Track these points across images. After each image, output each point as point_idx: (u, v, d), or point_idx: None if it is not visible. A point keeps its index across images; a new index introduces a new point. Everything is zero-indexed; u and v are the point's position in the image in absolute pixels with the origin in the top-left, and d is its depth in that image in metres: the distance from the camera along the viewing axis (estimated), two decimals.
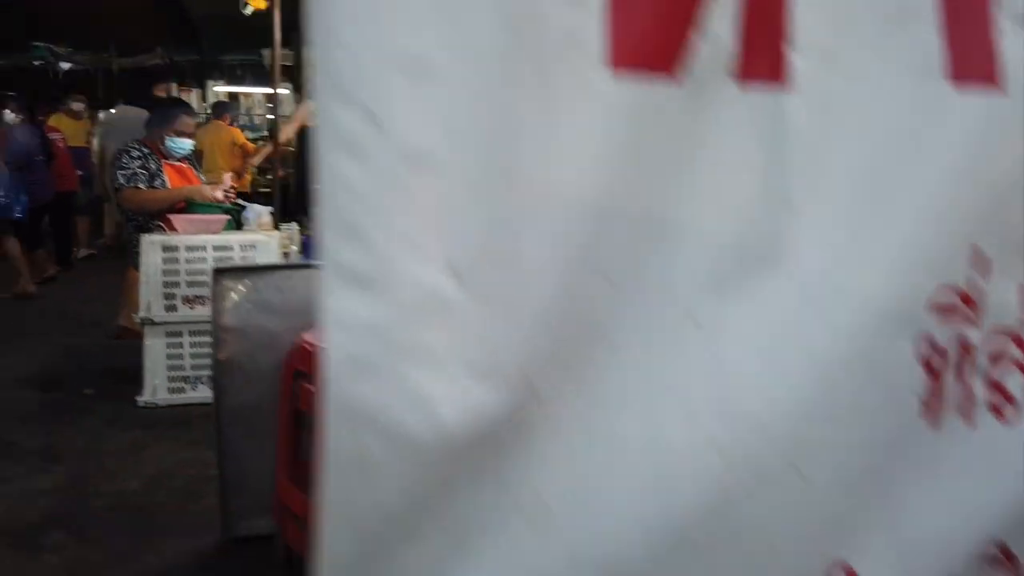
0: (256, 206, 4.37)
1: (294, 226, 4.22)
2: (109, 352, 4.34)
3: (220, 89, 12.66)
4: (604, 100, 0.67)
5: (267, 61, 11.12)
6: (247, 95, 13.90)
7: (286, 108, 12.77)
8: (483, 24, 0.61)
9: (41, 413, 3.36)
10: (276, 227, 4.02)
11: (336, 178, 0.64)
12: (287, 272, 2.41)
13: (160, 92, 5.74)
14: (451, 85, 0.61)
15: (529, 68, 0.63)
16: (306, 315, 2.37)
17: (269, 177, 9.02)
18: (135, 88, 10.63)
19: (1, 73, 10.58)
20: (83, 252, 7.48)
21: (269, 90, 13.36)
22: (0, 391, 3.61)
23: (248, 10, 5.50)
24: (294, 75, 11.14)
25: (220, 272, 2.32)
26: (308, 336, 2.07)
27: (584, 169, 0.67)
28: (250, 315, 2.31)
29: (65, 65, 10.06)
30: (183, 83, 11.69)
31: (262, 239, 3.65)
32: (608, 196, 0.67)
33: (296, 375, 2.05)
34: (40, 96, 9.68)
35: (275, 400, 2.20)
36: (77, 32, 9.35)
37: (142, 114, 4.95)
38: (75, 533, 2.30)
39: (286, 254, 3.77)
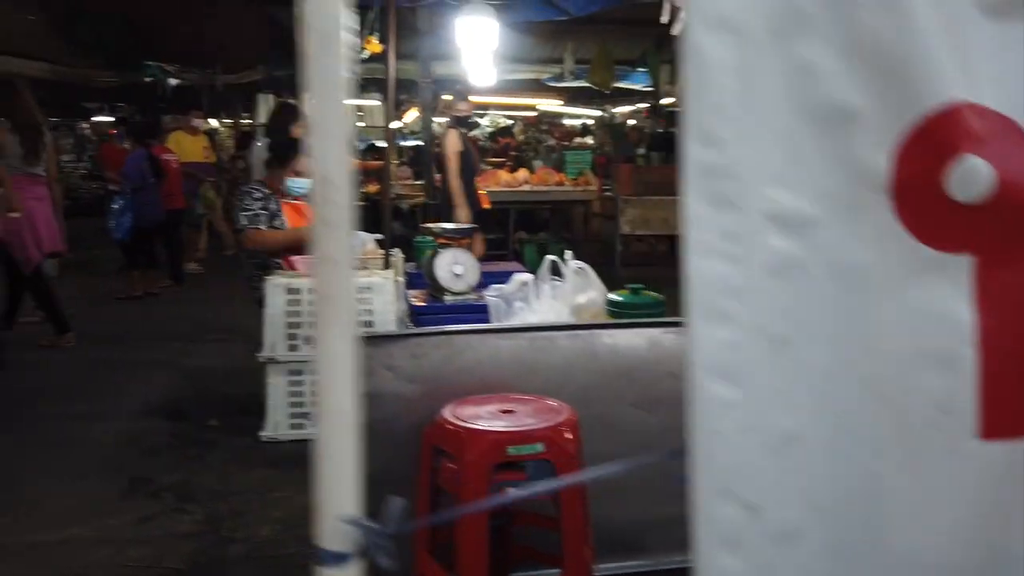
0: (361, 234, 4.49)
1: (398, 253, 4.32)
2: (227, 378, 4.57)
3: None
4: (974, 465, 0.65)
5: (357, 74, 11.42)
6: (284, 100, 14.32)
7: (377, 118, 13.08)
8: (851, 397, 0.63)
9: (171, 446, 3.54)
10: (386, 259, 4.11)
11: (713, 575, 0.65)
12: (419, 339, 2.48)
13: (299, 130, 5.98)
14: (818, 459, 0.62)
15: (895, 437, 0.63)
16: (438, 382, 2.46)
17: (363, 191, 9.28)
18: (237, 100, 10.92)
19: (116, 89, 11.19)
20: (192, 267, 7.85)
21: (360, 101, 13.70)
22: (131, 422, 3.84)
23: (364, 54, 5.67)
24: (385, 87, 11.36)
25: (360, 339, 2.40)
26: (447, 412, 2.13)
27: (946, 531, 0.66)
28: (385, 381, 2.39)
29: (173, 82, 10.56)
30: (281, 96, 12.11)
31: (378, 281, 3.75)
32: (968, 552, 0.67)
33: (435, 451, 2.12)
34: (149, 111, 10.22)
35: (410, 466, 2.27)
36: (187, 51, 9.80)
37: None
38: None
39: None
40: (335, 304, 0.85)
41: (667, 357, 2.46)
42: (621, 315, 2.68)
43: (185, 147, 7.87)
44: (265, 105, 11.97)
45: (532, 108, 13.02)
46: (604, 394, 2.47)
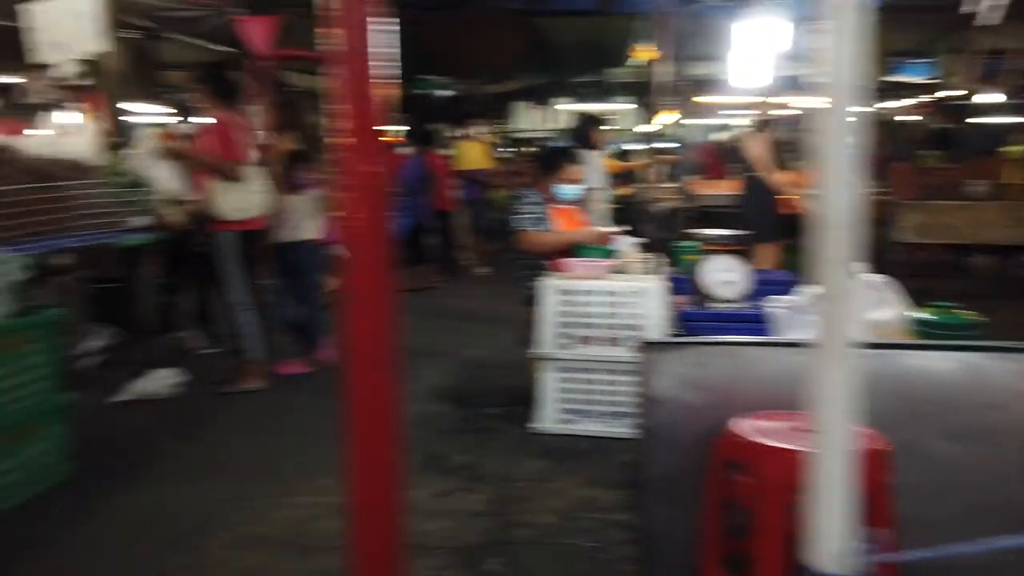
0: (623, 239, 4.59)
1: (658, 257, 4.36)
2: (500, 369, 4.91)
3: (561, 107, 13.53)
4: None
5: (609, 79, 11.61)
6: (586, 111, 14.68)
7: (627, 121, 13.17)
8: None
9: (457, 429, 3.90)
10: (652, 263, 4.17)
11: None
12: (703, 348, 2.50)
13: (595, 137, 6.32)
14: None
15: None
16: (723, 393, 2.47)
17: (617, 193, 9.43)
18: (496, 109, 11.56)
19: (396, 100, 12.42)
20: (480, 271, 8.36)
21: (608, 106, 13.97)
22: (424, 404, 4.27)
23: (631, 62, 5.80)
24: (637, 91, 11.41)
25: (649, 345, 2.48)
26: (741, 426, 2.14)
27: None
28: (666, 388, 2.44)
29: (443, 92, 11.51)
30: (536, 103, 12.70)
31: (646, 287, 3.82)
32: None
33: (727, 464, 2.13)
34: (422, 121, 11.20)
35: (695, 474, 2.31)
36: (457, 65, 10.61)
37: (591, 156, 5.41)
38: (512, 564, 2.63)
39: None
40: (836, 343, 0.91)
41: (987, 386, 2.25)
42: (929, 336, 2.50)
43: (470, 155, 8.50)
44: (523, 113, 12.63)
45: (784, 107, 12.38)
46: (906, 421, 2.32)
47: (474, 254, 8.69)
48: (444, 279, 8.05)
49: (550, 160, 4.49)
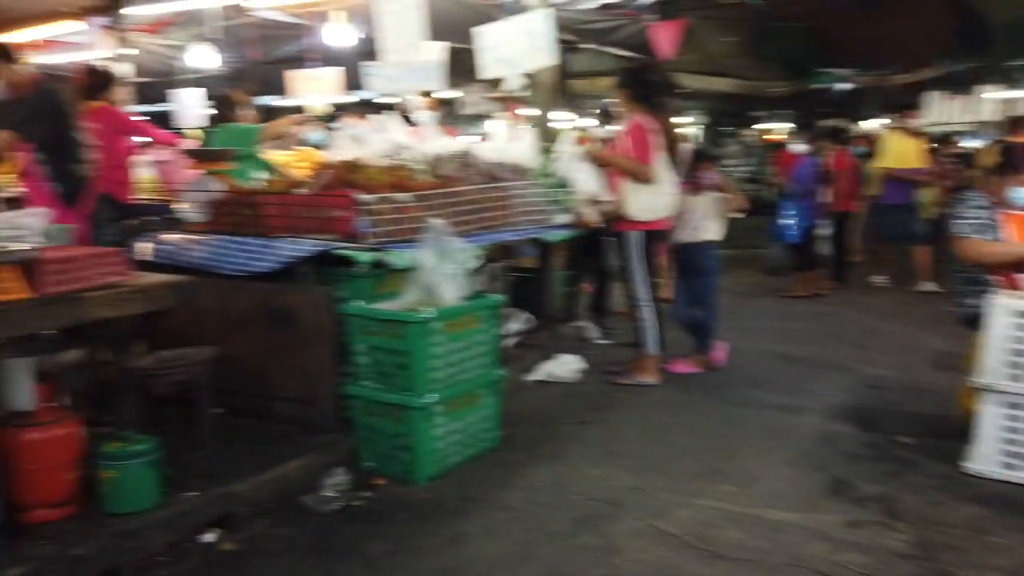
0: None
1: None
2: (908, 393, 4.40)
3: (988, 95, 11.59)
4: None
5: None
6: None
7: None
8: None
9: (866, 455, 3.56)
10: None
11: None
12: None
13: None
14: None
15: None
16: None
17: None
18: (906, 100, 10.40)
19: (782, 97, 11.87)
20: (926, 286, 7.34)
21: None
22: (823, 421, 4.00)
23: None
24: None
25: None
26: None
27: None
28: None
29: (843, 86, 10.67)
30: (954, 92, 11.12)
31: None
32: None
33: None
34: (811, 117, 10.49)
35: None
36: (862, 53, 9.76)
37: None
38: None
39: None
40: None
41: None
42: None
43: (902, 151, 7.47)
44: (936, 104, 11.14)
45: None
46: None
47: (873, 261, 7.88)
48: (835, 287, 7.47)
49: (1006, 159, 3.85)
